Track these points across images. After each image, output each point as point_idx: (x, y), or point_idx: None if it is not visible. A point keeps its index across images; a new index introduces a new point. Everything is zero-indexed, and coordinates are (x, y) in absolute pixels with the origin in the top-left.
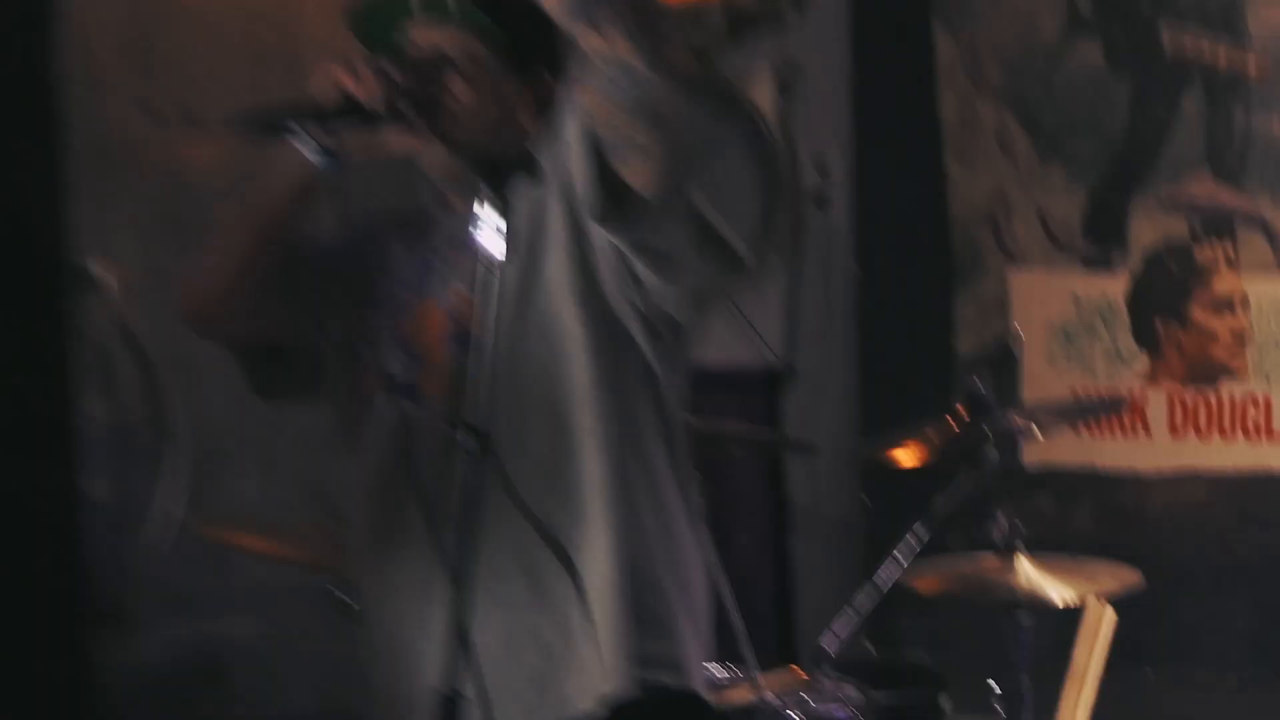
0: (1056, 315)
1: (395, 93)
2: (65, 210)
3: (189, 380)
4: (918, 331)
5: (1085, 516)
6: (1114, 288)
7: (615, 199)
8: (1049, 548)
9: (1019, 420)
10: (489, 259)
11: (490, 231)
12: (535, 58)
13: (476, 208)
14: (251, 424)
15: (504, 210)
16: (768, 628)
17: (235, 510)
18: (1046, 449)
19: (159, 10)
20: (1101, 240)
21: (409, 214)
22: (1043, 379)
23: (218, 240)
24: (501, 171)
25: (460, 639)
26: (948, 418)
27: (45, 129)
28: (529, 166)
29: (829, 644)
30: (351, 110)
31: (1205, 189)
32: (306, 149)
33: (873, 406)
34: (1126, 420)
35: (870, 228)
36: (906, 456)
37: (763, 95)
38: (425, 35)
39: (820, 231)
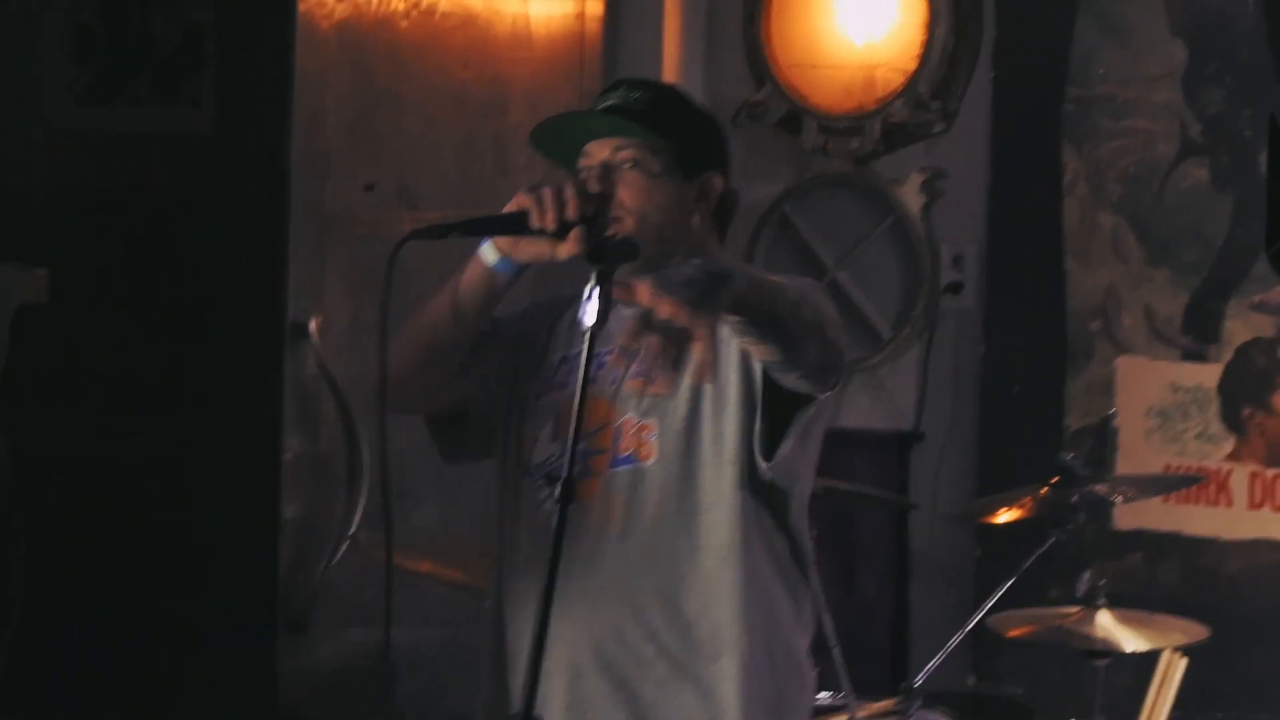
0: (1155, 399)
1: (568, 211)
2: (285, 271)
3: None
4: (1032, 406)
5: (1171, 575)
6: (1208, 377)
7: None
8: (1136, 602)
9: (1105, 489)
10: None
11: (592, 307)
12: (702, 163)
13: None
14: (431, 460)
15: (605, 285)
16: (884, 660)
17: (414, 535)
18: (1140, 515)
19: (380, 99)
20: (1199, 336)
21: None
22: (1140, 454)
23: (413, 326)
24: (608, 255)
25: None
26: (1047, 485)
27: (274, 201)
28: (631, 252)
29: (921, 678)
30: (527, 227)
31: None
32: (488, 255)
33: (989, 469)
34: (1212, 493)
35: (997, 313)
36: (1011, 515)
37: (910, 196)
38: (599, 149)
39: (953, 314)
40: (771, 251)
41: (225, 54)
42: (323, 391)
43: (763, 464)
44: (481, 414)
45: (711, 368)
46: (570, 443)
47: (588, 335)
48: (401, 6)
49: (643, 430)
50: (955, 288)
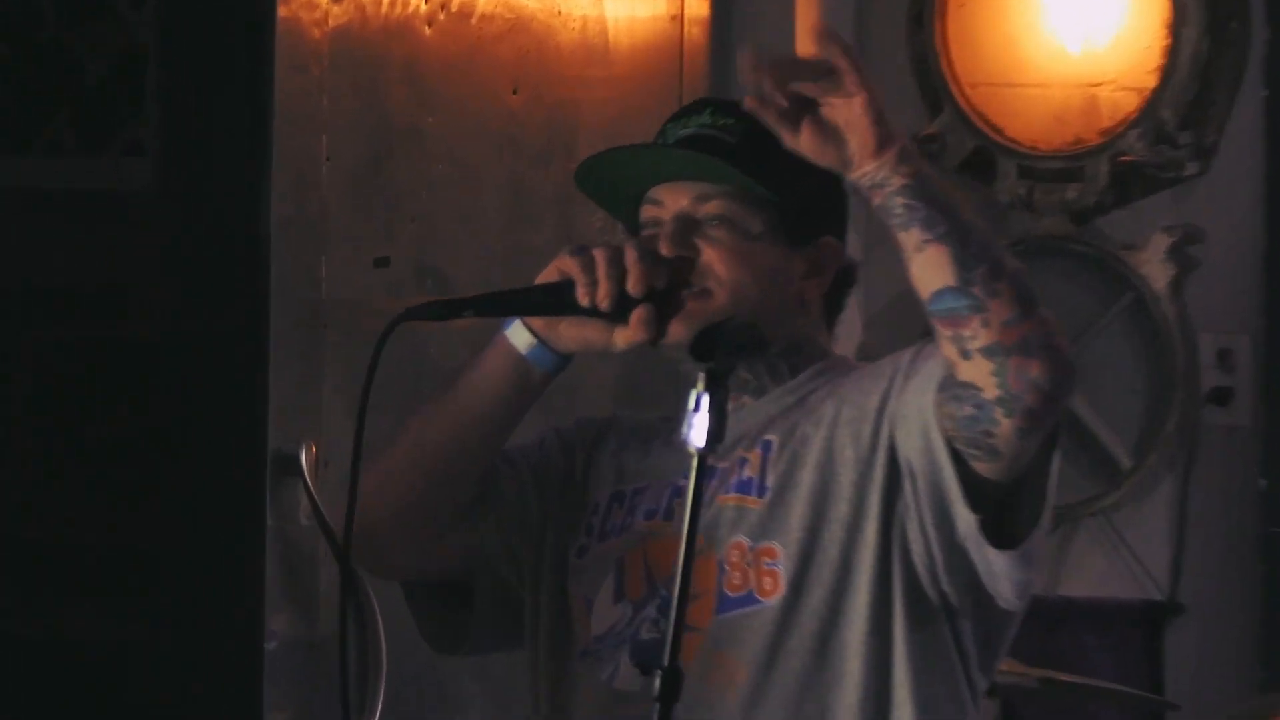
0: None
1: (628, 283)
2: (265, 384)
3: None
4: None
5: None
6: None
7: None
8: None
9: None
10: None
11: (700, 422)
12: (815, 224)
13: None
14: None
15: (717, 392)
16: None
17: None
18: None
19: (394, 140)
20: None
21: (653, 422)
22: None
23: (401, 446)
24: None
25: None
26: None
27: (247, 285)
28: (757, 343)
29: None
30: (571, 304)
31: None
32: (518, 339)
33: (1276, 653)
34: None
35: None
36: None
37: (1153, 267)
38: (675, 198)
39: (1219, 433)
40: None
41: (173, 83)
42: (319, 550)
43: (994, 555)
44: (497, 581)
45: None
46: (674, 612)
47: (695, 461)
48: (424, 8)
49: (762, 556)
50: (1222, 396)
